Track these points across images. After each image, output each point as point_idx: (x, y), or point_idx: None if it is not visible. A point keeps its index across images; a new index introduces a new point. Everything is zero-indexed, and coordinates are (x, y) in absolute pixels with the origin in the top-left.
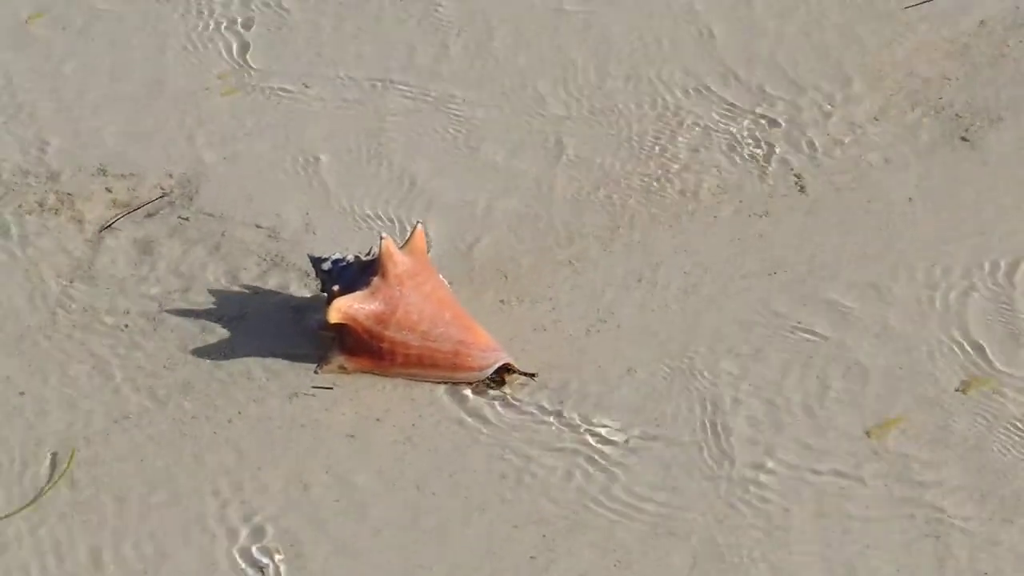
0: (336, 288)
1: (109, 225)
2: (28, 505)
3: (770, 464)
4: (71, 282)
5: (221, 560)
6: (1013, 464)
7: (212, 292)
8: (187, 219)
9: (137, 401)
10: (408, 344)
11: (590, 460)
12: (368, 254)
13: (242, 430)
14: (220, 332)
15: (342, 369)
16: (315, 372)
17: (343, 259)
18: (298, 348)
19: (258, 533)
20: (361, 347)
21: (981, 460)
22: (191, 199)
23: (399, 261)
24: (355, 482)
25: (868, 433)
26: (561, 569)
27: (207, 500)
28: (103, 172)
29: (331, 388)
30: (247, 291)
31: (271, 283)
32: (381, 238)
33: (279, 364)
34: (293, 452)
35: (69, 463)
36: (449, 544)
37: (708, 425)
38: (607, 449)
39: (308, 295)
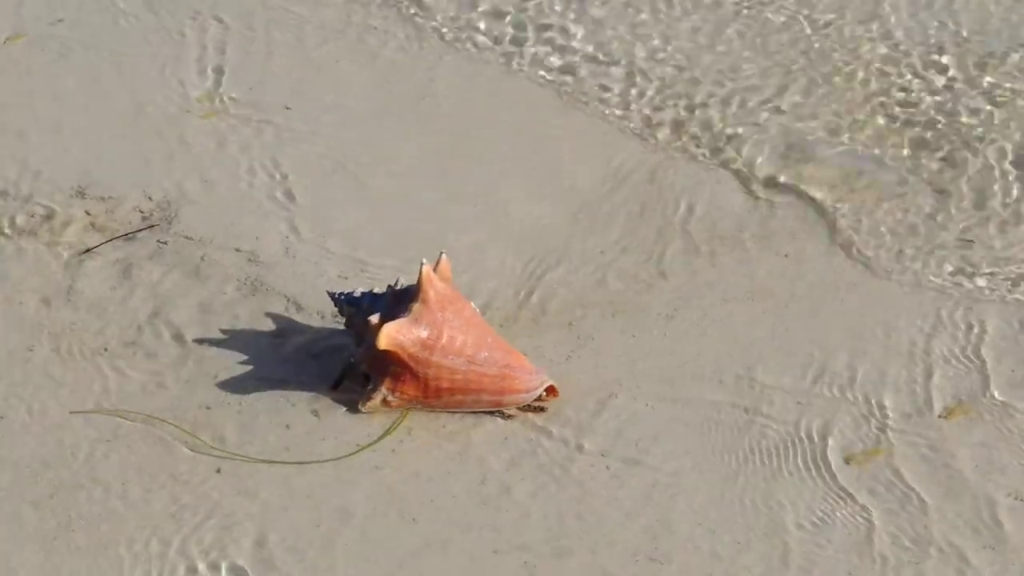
0: (376, 317)
1: (90, 249)
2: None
3: (750, 492)
4: (50, 306)
5: None
6: (993, 490)
7: (192, 316)
8: (166, 243)
9: (117, 425)
10: (454, 369)
11: (571, 485)
12: (396, 284)
13: (223, 454)
14: (200, 356)
15: (386, 403)
16: (359, 409)
17: (370, 290)
18: (279, 372)
19: (237, 557)
20: (406, 375)
21: (962, 486)
22: (170, 222)
23: (439, 287)
24: (336, 508)
25: (847, 460)
26: None
27: (185, 524)
28: (82, 195)
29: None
30: (227, 315)
31: (251, 307)
32: (422, 264)
33: (260, 389)
34: (274, 476)
35: (403, 417)
36: (429, 570)
37: (689, 450)
38: (589, 474)
39: (289, 319)
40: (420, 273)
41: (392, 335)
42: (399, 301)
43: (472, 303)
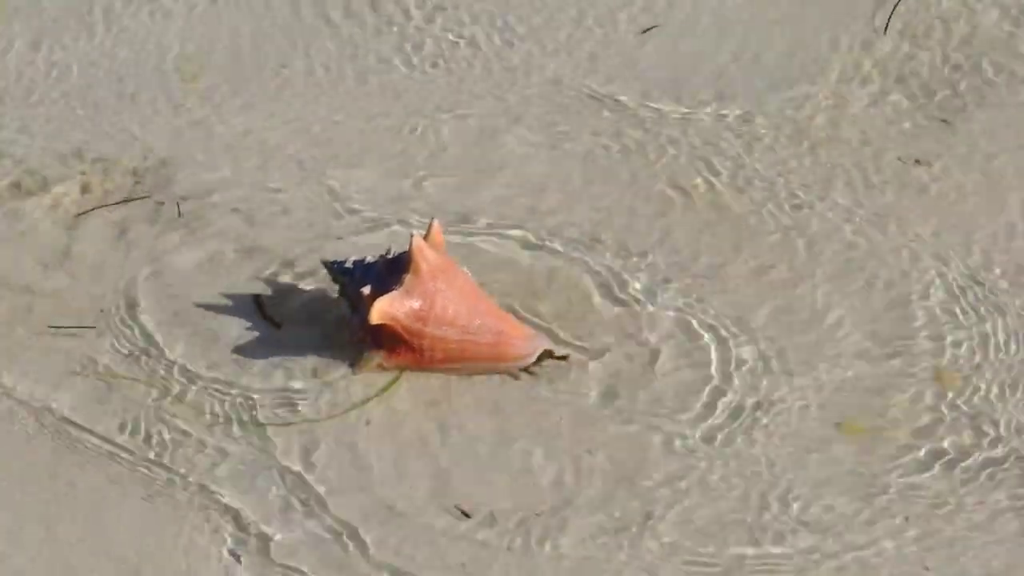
0: (368, 289)
1: (86, 212)
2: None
3: (754, 448)
4: (46, 268)
5: (196, 546)
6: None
7: (188, 277)
8: (163, 203)
9: (113, 388)
10: (447, 339)
11: (574, 443)
12: (388, 253)
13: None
14: (197, 317)
15: (380, 367)
16: (352, 372)
17: (362, 259)
18: (275, 334)
19: (236, 520)
20: (400, 346)
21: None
22: (167, 183)
23: (430, 257)
24: (332, 468)
25: (839, 426)
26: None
27: (182, 487)
28: (78, 156)
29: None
30: (224, 276)
31: (248, 267)
32: (411, 236)
33: (256, 350)
34: (271, 437)
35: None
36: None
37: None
38: (590, 432)
39: (285, 281)
40: (410, 244)
41: (384, 309)
42: (391, 271)
43: (466, 269)
